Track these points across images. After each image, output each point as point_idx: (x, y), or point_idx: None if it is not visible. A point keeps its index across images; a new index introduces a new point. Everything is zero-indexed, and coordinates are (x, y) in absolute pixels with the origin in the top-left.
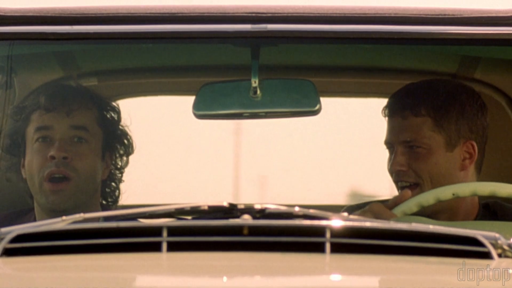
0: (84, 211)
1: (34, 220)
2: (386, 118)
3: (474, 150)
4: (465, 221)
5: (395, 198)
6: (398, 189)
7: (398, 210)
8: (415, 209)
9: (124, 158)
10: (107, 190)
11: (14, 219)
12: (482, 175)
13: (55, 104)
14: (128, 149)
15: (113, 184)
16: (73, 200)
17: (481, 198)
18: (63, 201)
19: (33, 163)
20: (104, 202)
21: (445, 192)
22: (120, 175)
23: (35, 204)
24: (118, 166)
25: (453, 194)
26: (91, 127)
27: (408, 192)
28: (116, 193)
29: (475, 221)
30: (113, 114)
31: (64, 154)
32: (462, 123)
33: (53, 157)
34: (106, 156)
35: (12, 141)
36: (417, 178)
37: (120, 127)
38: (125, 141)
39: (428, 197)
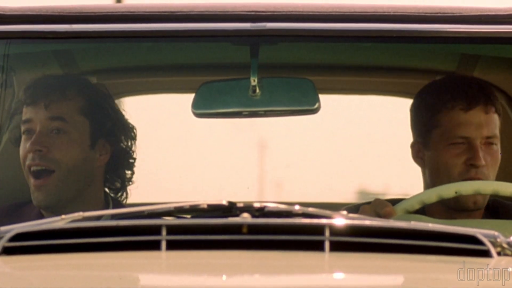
0: (84, 201)
1: (33, 212)
2: (448, 109)
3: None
4: (464, 220)
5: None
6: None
7: (400, 208)
8: (417, 206)
9: (128, 142)
10: (109, 176)
11: (14, 211)
12: None
13: (36, 97)
14: (129, 133)
15: (118, 168)
16: (58, 195)
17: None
18: (46, 198)
19: (21, 156)
20: (107, 190)
21: (448, 190)
22: (126, 158)
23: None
24: (121, 150)
25: (456, 192)
26: (71, 117)
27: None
28: (123, 176)
29: (473, 220)
30: (102, 101)
31: (37, 147)
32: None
33: (29, 151)
34: (98, 143)
35: (13, 135)
36: (487, 175)
37: (111, 112)
38: (123, 125)
39: (431, 195)
